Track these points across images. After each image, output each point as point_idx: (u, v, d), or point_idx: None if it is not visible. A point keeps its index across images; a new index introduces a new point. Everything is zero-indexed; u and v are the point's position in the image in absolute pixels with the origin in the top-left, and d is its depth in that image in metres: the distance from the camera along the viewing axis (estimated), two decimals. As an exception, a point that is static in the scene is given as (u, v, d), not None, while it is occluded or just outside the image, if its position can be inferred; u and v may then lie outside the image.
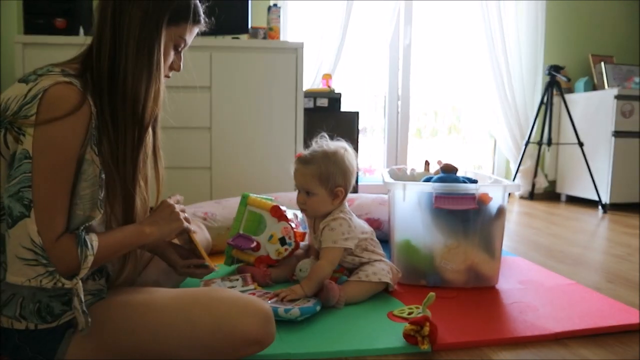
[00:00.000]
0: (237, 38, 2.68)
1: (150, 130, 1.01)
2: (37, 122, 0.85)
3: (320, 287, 1.38)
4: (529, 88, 3.72)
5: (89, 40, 0.98)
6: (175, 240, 1.23)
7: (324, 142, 1.52)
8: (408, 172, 2.18)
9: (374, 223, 2.03)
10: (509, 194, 2.02)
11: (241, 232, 1.68)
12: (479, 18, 3.57)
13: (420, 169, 2.17)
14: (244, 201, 1.71)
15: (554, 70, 3.43)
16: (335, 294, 1.38)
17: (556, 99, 3.63)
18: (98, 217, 0.93)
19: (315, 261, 1.52)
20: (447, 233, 1.58)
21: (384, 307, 1.41)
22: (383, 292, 1.51)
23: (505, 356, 1.17)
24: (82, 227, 0.91)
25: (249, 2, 2.69)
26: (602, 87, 3.65)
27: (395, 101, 3.73)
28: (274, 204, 1.69)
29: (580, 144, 3.34)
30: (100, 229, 0.97)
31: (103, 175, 0.93)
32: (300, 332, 1.23)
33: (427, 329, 1.15)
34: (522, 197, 3.80)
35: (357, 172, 1.66)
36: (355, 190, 2.85)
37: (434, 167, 2.07)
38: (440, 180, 1.66)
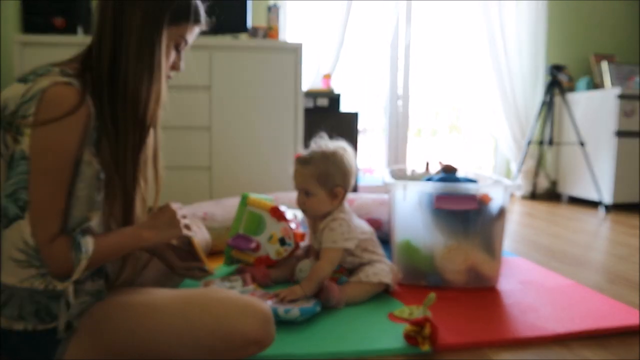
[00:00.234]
0: (237, 37, 2.67)
1: (150, 130, 1.00)
2: (34, 123, 0.85)
3: (320, 288, 1.38)
4: (530, 87, 3.71)
5: (88, 39, 0.98)
6: (175, 241, 1.22)
7: (323, 143, 1.52)
8: (408, 172, 2.18)
9: (374, 223, 2.02)
10: (511, 194, 2.02)
11: (241, 232, 1.68)
12: (480, 18, 3.57)
13: (420, 169, 2.16)
14: (244, 201, 1.70)
15: (555, 69, 3.42)
16: (335, 294, 1.37)
17: (557, 99, 3.63)
18: (95, 219, 0.93)
19: (315, 262, 1.51)
20: (448, 233, 1.57)
21: (384, 308, 1.40)
22: (383, 293, 1.51)
23: (506, 357, 1.17)
24: (78, 229, 0.90)
25: (248, 0, 2.69)
26: (604, 87, 3.64)
27: (395, 101, 3.73)
28: (274, 204, 1.69)
29: (582, 144, 3.34)
30: (99, 230, 0.96)
31: (102, 176, 0.93)
32: (300, 333, 1.23)
33: (427, 330, 1.15)
34: (523, 197, 3.79)
35: (357, 172, 1.66)
36: (355, 191, 2.85)
37: (434, 168, 2.06)
38: (440, 180, 1.65)
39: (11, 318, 0.89)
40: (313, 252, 1.62)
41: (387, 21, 3.45)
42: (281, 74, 2.58)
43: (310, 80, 3.29)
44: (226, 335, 0.96)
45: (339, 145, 1.53)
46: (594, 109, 3.47)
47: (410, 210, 1.59)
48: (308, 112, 2.84)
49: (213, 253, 1.67)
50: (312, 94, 2.97)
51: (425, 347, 1.15)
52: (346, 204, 1.55)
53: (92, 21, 2.52)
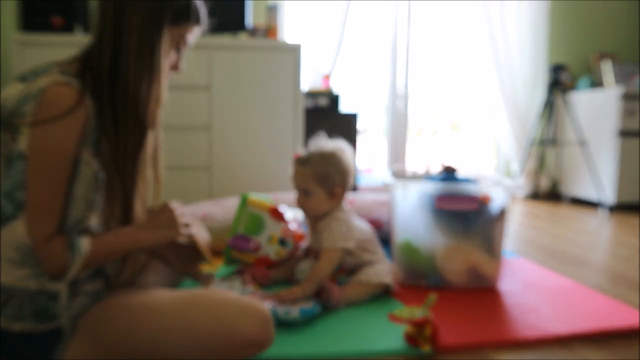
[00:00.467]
0: (236, 36, 2.67)
1: (150, 130, 1.00)
2: (32, 122, 0.85)
3: (320, 288, 1.38)
4: (531, 87, 3.71)
5: (87, 39, 0.97)
6: (182, 238, 1.21)
7: (321, 142, 1.52)
8: (409, 173, 2.17)
9: (374, 223, 2.02)
10: (512, 195, 2.01)
11: (240, 232, 1.67)
12: (481, 17, 3.57)
13: (421, 170, 2.16)
14: (244, 202, 1.70)
15: (556, 69, 3.42)
16: (335, 295, 1.37)
17: (558, 98, 3.62)
18: (93, 219, 0.92)
19: (314, 262, 1.51)
20: (448, 234, 1.57)
21: (384, 308, 1.40)
22: (383, 293, 1.50)
23: (507, 357, 1.17)
24: (75, 229, 0.90)
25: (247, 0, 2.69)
26: (605, 86, 3.64)
27: (395, 101, 3.72)
28: (274, 205, 1.69)
29: (583, 144, 3.33)
30: (99, 230, 0.96)
31: (101, 176, 0.93)
32: (299, 334, 1.23)
33: (428, 331, 1.14)
34: (524, 198, 3.79)
35: (356, 172, 1.66)
36: (354, 191, 2.84)
37: (435, 169, 2.06)
38: (440, 180, 1.65)
39: (11, 318, 0.89)
40: (313, 253, 1.61)
41: (387, 21, 3.45)
42: (281, 74, 2.58)
43: (309, 81, 3.29)
44: (226, 336, 0.95)
45: (338, 145, 1.52)
46: (596, 109, 3.46)
47: (410, 211, 1.59)
48: (308, 112, 2.84)
49: (213, 253, 1.66)
50: (311, 94, 2.97)
51: (426, 348, 1.14)
52: (345, 204, 1.54)
53: (91, 21, 2.52)
